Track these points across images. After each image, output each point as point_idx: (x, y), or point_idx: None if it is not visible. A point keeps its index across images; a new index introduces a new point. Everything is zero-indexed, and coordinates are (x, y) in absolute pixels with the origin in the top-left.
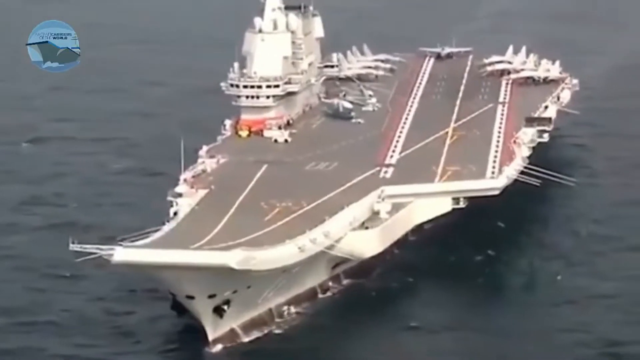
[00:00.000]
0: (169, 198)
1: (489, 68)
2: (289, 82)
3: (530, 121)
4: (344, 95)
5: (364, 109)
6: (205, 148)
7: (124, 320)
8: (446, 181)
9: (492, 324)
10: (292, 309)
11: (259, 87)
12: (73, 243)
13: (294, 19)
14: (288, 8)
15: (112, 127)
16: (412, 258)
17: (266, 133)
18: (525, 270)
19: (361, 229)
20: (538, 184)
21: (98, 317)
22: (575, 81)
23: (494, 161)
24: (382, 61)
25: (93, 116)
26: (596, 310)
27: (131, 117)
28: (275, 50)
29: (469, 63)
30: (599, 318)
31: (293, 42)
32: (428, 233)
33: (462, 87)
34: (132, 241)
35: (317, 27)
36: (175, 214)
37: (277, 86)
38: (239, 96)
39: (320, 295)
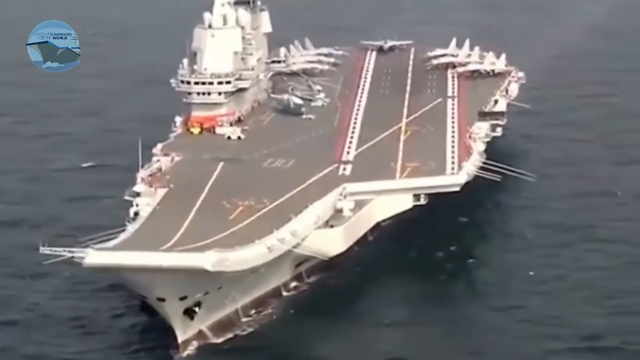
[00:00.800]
0: (127, 197)
1: (434, 62)
2: (239, 78)
3: (484, 115)
4: (292, 91)
5: (313, 104)
6: (159, 146)
7: (89, 319)
8: (407, 178)
9: (460, 318)
10: (259, 309)
11: (210, 83)
12: (43, 245)
13: (244, 14)
14: (237, 3)
15: (52, 122)
16: (374, 255)
17: (218, 130)
18: (490, 264)
19: (326, 227)
20: (499, 180)
21: (63, 316)
22: (521, 74)
23: (453, 157)
24: (325, 55)
25: (32, 111)
26: (565, 302)
27: (71, 112)
28: (226, 46)
29: (412, 56)
30: (568, 310)
31: (243, 38)
32: (388, 230)
33: (408, 81)
34: (98, 242)
35: (265, 22)
36: (136, 214)
37: (228, 82)
38: (189, 93)
39: (284, 294)
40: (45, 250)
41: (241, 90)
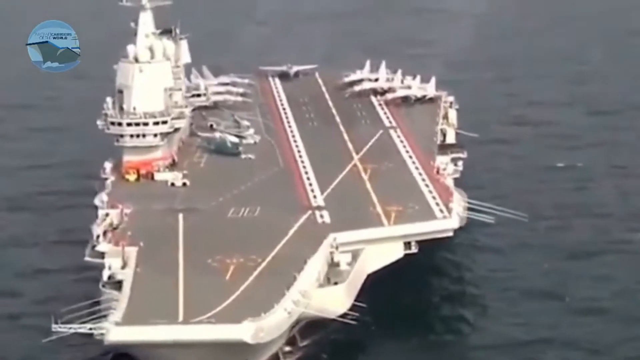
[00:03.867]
0: (88, 258)
1: (356, 88)
2: (176, 117)
3: (444, 149)
4: (216, 127)
5: (244, 141)
6: (104, 197)
7: None
8: (398, 224)
9: None
10: None
11: (145, 124)
12: (56, 323)
13: (170, 45)
14: (161, 33)
15: None
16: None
17: (157, 176)
18: (495, 305)
19: (327, 284)
20: (492, 221)
21: None
22: (451, 98)
23: (434, 198)
24: (230, 84)
25: None
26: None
27: None
28: (156, 81)
29: (320, 82)
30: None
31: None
32: (375, 278)
33: (334, 111)
34: (80, 315)
35: (184, 52)
36: (110, 277)
37: (164, 122)
38: (122, 135)
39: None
40: (58, 328)
41: (176, 130)
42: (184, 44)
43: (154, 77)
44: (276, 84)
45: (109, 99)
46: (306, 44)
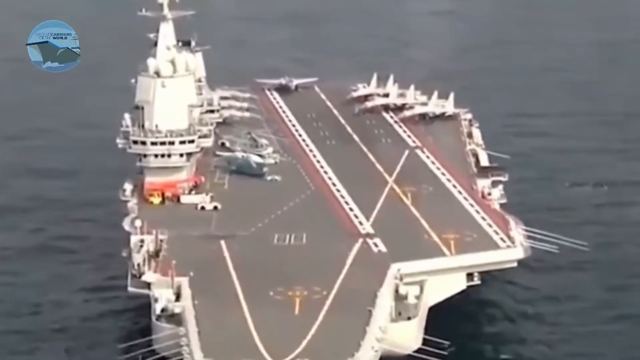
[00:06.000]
0: (132, 289)
1: (369, 104)
2: (204, 136)
3: (484, 171)
4: (223, 145)
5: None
6: (137, 222)
7: None
8: (460, 254)
9: None
10: None
11: (171, 143)
12: None
13: (192, 58)
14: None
15: None
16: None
17: (184, 199)
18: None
19: (400, 318)
20: (556, 250)
21: None
22: (469, 115)
23: (490, 225)
24: (229, 98)
25: None
26: None
27: None
28: (180, 97)
29: (323, 96)
30: None
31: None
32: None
33: (348, 129)
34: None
35: (200, 65)
36: (163, 310)
37: (191, 141)
38: (145, 155)
39: None
40: None
41: (201, 150)
42: (199, 57)
43: (177, 93)
44: (276, 98)
45: (127, 116)
46: (283, 50)
